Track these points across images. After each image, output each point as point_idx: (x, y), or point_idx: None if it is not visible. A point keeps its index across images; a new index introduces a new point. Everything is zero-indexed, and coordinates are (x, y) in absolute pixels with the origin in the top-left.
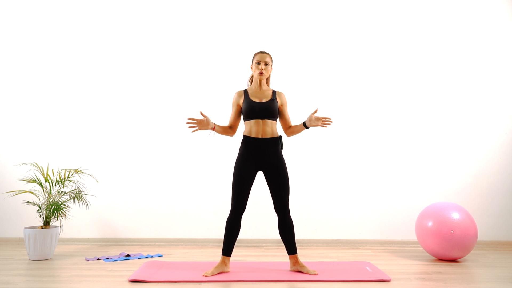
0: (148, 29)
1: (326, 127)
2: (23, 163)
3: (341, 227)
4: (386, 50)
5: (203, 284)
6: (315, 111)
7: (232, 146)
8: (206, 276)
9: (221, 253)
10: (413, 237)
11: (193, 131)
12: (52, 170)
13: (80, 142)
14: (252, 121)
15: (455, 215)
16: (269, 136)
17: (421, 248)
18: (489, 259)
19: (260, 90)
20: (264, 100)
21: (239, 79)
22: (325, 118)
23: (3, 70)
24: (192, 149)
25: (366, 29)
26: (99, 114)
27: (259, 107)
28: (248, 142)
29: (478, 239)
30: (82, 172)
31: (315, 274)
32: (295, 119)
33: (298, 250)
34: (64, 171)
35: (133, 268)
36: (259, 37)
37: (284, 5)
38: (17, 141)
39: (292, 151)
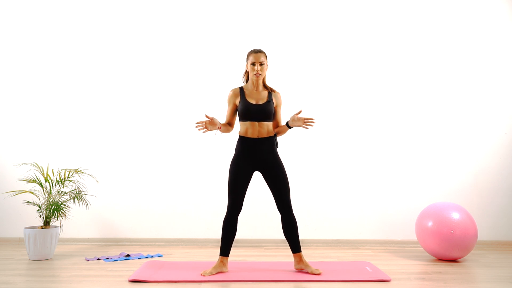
0: (147, 29)
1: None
2: (23, 163)
3: (341, 227)
4: (386, 50)
5: (203, 284)
6: (299, 112)
7: (232, 146)
8: (204, 275)
9: (219, 254)
10: (413, 237)
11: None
12: (52, 170)
13: (80, 142)
14: (248, 123)
15: (455, 215)
16: (265, 136)
17: (421, 248)
18: (489, 259)
19: (256, 90)
20: (260, 102)
21: (238, 78)
22: (308, 119)
23: (3, 70)
24: (192, 149)
25: (365, 29)
26: (99, 114)
27: (255, 110)
28: (243, 142)
29: (478, 239)
30: (82, 172)
31: (318, 274)
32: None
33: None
34: (64, 171)
35: (133, 268)
36: (255, 35)
37: (280, 3)
38: (17, 141)
39: (292, 151)
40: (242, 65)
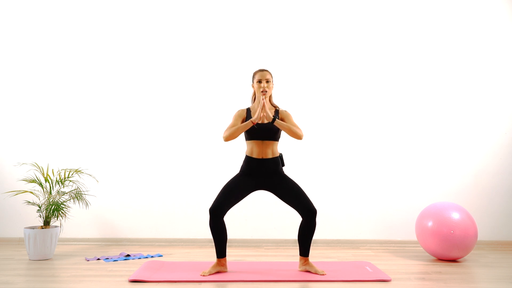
0: (149, 30)
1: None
2: (23, 163)
3: (341, 227)
4: (386, 50)
5: (203, 284)
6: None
7: (232, 145)
8: (204, 275)
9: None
10: (413, 237)
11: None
12: (52, 170)
13: (80, 142)
14: (253, 142)
15: (455, 215)
16: (269, 156)
17: (421, 248)
18: (489, 259)
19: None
20: (265, 121)
21: (238, 80)
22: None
23: (3, 70)
24: (192, 149)
25: (366, 29)
26: (99, 114)
27: (260, 129)
28: (249, 162)
29: (478, 239)
30: (82, 172)
31: (323, 274)
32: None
33: (298, 250)
34: (64, 171)
35: (133, 268)
36: (254, 33)
37: (283, 5)
38: (17, 141)
39: (292, 151)
40: (241, 65)
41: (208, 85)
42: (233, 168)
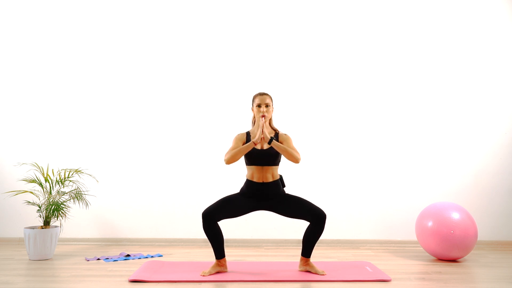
0: (149, 30)
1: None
2: (23, 163)
3: (341, 227)
4: (386, 50)
5: (203, 284)
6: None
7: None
8: (203, 275)
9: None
10: (413, 237)
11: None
12: (52, 170)
13: (80, 142)
14: (253, 167)
15: (455, 215)
16: (270, 180)
17: (421, 248)
18: (489, 259)
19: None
20: (265, 147)
21: (237, 81)
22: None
23: (3, 70)
24: (192, 149)
25: (366, 29)
26: (99, 114)
27: (260, 155)
28: (249, 185)
29: (478, 239)
30: (82, 172)
31: (323, 274)
32: (296, 120)
33: (298, 250)
34: (64, 171)
35: (133, 268)
36: (252, 31)
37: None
38: (17, 141)
39: None
40: (240, 66)
41: (207, 85)
42: (233, 168)
